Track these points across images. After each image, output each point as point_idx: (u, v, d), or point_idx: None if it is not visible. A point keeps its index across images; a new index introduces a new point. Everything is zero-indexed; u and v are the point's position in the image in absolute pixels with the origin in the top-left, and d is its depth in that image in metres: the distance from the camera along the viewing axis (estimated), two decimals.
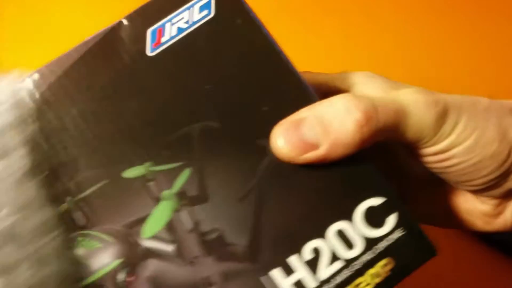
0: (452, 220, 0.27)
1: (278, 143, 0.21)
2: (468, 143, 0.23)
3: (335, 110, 0.20)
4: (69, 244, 0.20)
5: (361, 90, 0.24)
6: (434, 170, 0.24)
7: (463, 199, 0.27)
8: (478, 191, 0.25)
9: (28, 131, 0.21)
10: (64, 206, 0.21)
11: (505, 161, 0.23)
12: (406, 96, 0.22)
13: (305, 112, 0.21)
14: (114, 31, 0.22)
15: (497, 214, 0.26)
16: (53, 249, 0.20)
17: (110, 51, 0.22)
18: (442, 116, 0.22)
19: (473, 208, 0.27)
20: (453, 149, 0.23)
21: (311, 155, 0.20)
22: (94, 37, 0.22)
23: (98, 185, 0.21)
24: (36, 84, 0.21)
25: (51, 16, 0.56)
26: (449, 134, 0.22)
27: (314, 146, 0.20)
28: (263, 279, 0.20)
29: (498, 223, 0.27)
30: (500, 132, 0.23)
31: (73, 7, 0.56)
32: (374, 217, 0.21)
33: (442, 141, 0.22)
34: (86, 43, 0.22)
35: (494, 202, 0.26)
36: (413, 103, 0.22)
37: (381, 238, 0.21)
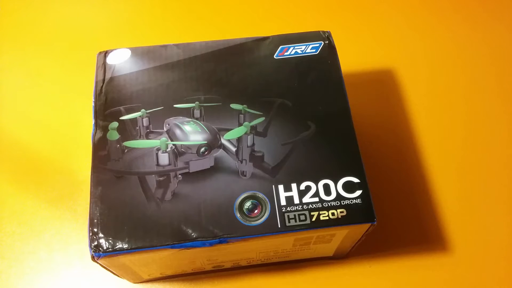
0: None
1: None
2: None
3: None
4: (186, 122, 0.37)
5: None
6: None
7: None
8: None
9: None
10: (192, 104, 0.37)
11: None
12: None
13: None
14: (258, 40, 0.40)
15: None
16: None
17: (247, 50, 0.39)
18: None
19: None
20: None
21: None
22: (235, 40, 0.40)
23: (214, 104, 0.37)
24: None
25: (51, 15, 0.59)
26: None
27: None
28: (273, 186, 0.35)
29: None
30: None
31: (73, 7, 0.59)
32: (349, 187, 0.34)
33: None
34: (229, 41, 0.40)
35: None
36: None
37: (347, 198, 0.34)
